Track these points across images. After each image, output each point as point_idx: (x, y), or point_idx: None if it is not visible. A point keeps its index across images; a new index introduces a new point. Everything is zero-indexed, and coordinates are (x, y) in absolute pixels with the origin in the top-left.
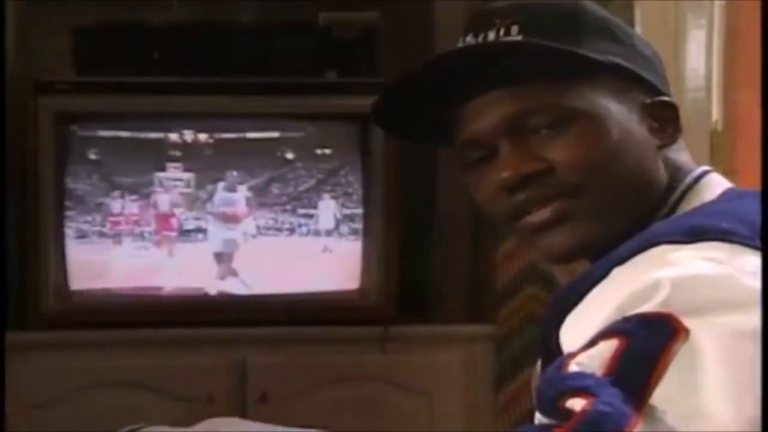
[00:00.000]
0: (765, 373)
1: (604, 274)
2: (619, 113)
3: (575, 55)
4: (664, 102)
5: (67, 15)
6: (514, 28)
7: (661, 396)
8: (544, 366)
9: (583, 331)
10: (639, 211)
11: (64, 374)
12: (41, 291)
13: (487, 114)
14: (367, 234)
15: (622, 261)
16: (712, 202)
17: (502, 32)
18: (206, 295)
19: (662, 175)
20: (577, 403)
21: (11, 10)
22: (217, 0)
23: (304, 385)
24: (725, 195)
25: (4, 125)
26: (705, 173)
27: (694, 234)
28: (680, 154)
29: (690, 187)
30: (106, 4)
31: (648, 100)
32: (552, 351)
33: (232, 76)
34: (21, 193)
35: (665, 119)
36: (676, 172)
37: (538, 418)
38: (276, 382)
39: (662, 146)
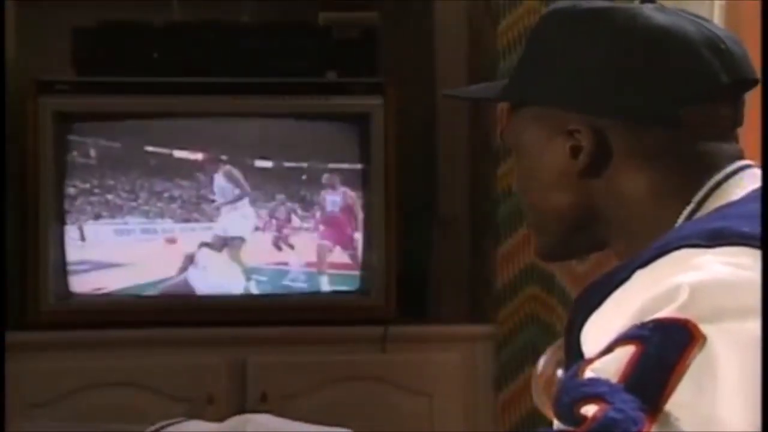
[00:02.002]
0: (765, 374)
1: (626, 276)
2: (534, 142)
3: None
4: (580, 129)
5: (67, 15)
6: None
7: (676, 402)
8: (567, 366)
9: (603, 334)
10: (566, 228)
11: (64, 374)
12: (41, 291)
13: None
14: (367, 234)
15: (644, 264)
16: (736, 203)
17: None
18: (206, 295)
19: (580, 201)
20: (591, 410)
21: (11, 10)
22: (217, 0)
23: (304, 385)
24: (753, 194)
25: (4, 125)
26: (741, 168)
27: (715, 238)
28: (715, 145)
29: (719, 183)
30: (106, 4)
31: (570, 126)
32: (574, 351)
33: (232, 76)
34: (21, 193)
35: (581, 145)
36: (703, 166)
37: (557, 423)
38: (276, 382)
39: (583, 172)
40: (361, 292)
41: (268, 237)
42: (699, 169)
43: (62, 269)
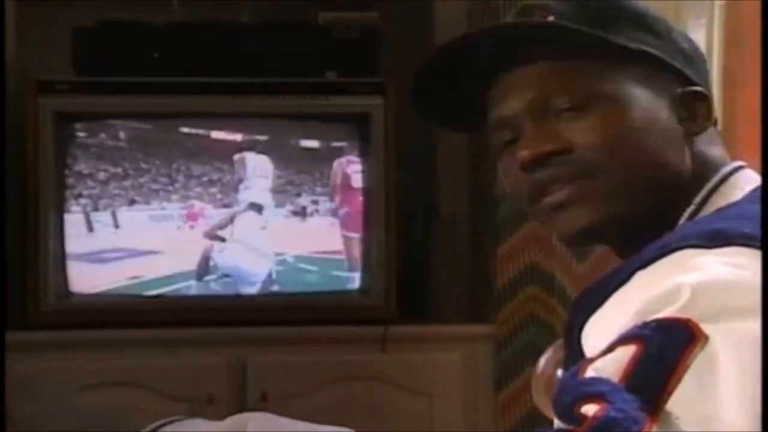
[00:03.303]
0: (765, 374)
1: (626, 278)
2: (646, 100)
3: (601, 39)
4: (696, 92)
5: (67, 15)
6: (551, 18)
7: (677, 402)
8: (567, 366)
9: (604, 335)
10: (659, 198)
11: (64, 374)
12: (41, 291)
13: (513, 96)
14: (367, 234)
15: (644, 265)
16: (736, 204)
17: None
18: (206, 295)
19: (687, 165)
20: (592, 409)
21: (11, 10)
22: (217, 0)
23: (304, 385)
24: (752, 195)
25: (4, 125)
26: (737, 169)
27: (716, 238)
28: (713, 148)
29: (718, 185)
30: (106, 4)
31: (679, 90)
32: (574, 352)
33: (232, 76)
34: (21, 193)
35: (695, 109)
36: (705, 167)
37: (557, 423)
38: (276, 382)
39: (690, 135)
40: (361, 292)
41: (316, 223)
42: (704, 168)
43: (62, 269)
